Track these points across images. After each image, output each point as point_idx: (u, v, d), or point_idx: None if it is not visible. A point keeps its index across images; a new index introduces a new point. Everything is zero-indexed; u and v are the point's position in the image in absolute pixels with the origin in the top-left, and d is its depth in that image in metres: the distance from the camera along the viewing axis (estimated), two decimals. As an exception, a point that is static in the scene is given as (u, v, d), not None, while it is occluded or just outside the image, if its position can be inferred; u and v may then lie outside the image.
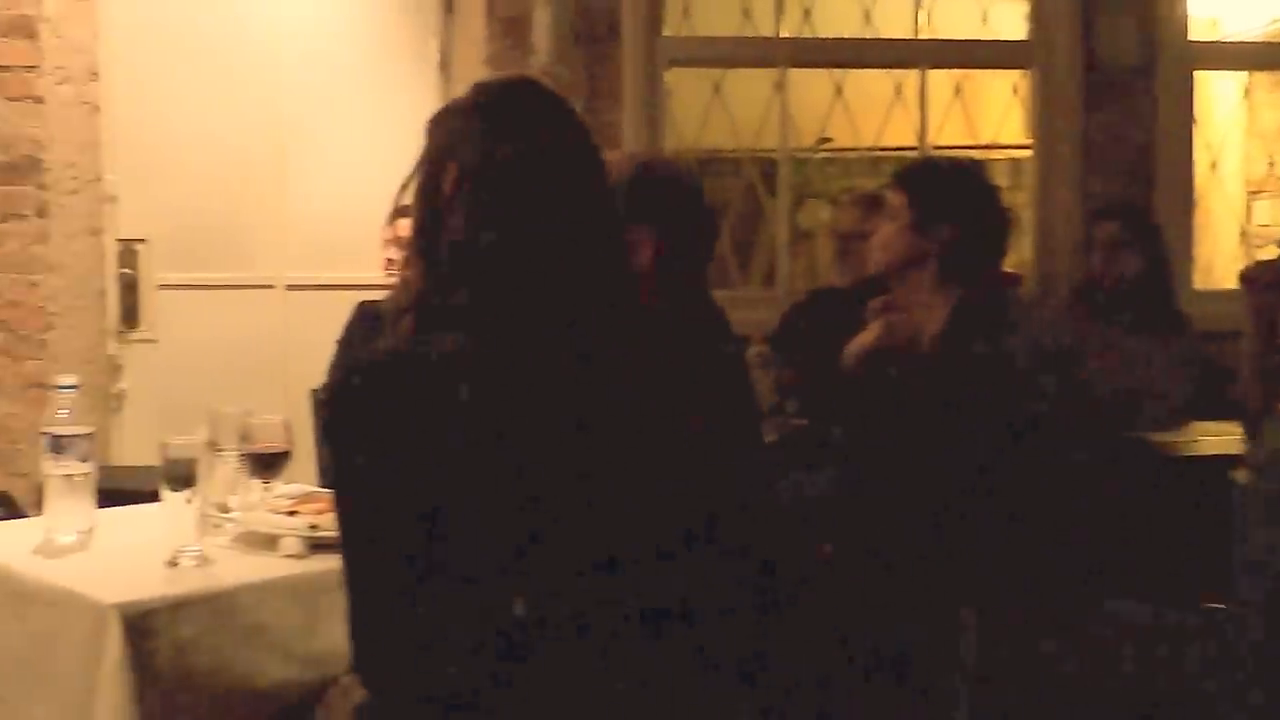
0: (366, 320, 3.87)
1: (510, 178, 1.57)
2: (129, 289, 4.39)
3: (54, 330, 4.29)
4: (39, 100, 4.24)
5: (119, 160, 4.34)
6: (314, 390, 3.92)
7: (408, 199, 1.66)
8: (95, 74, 4.30)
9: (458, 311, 1.56)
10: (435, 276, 1.59)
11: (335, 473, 1.57)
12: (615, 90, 4.48)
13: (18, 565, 2.07)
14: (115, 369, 4.40)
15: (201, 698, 1.89)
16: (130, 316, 4.39)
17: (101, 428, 4.10)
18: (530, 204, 1.57)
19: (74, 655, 1.88)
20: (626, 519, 1.59)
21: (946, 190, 2.73)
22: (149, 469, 3.65)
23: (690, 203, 2.36)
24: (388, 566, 1.54)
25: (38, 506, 3.91)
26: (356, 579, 1.56)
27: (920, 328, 2.69)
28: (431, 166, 1.61)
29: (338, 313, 3.92)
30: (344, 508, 1.57)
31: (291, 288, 4.43)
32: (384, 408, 1.53)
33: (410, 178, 1.65)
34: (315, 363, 3.91)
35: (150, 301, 4.41)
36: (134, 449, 4.28)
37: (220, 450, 2.26)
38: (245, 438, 2.32)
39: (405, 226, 3.91)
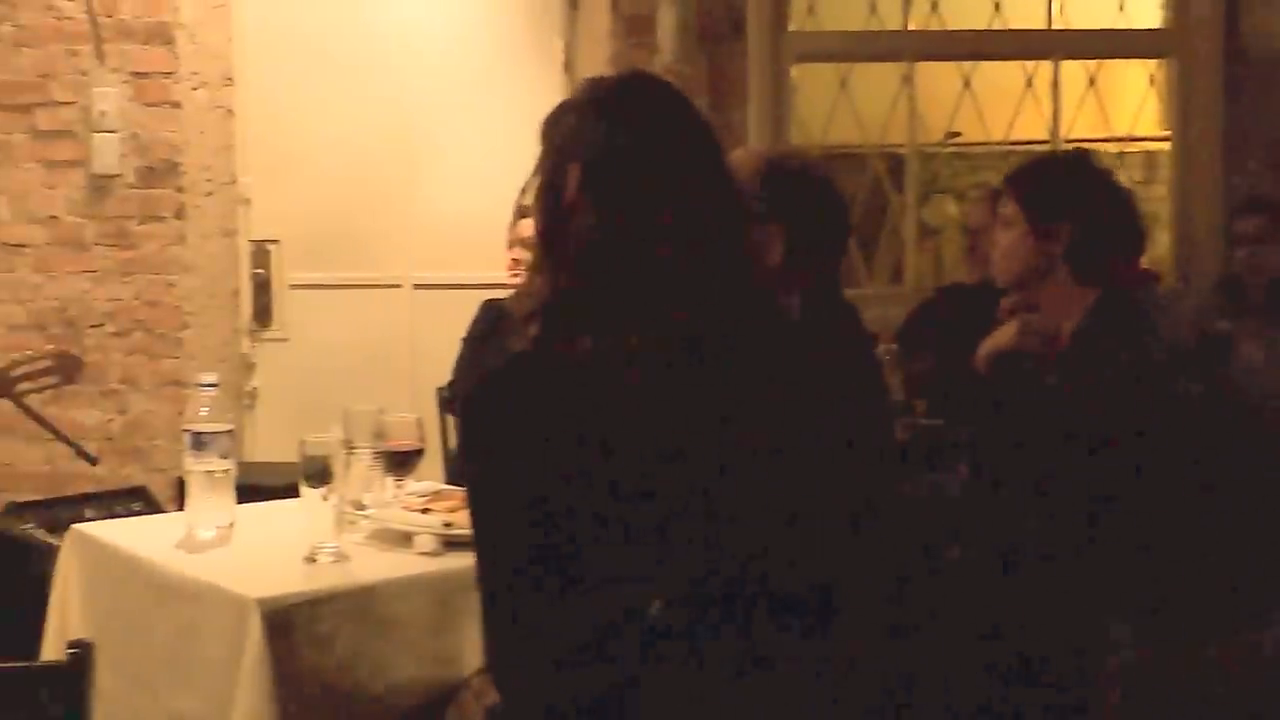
0: (491, 319, 3.90)
1: (634, 174, 1.55)
2: (262, 289, 4.49)
3: (190, 329, 4.40)
4: (176, 105, 4.35)
5: (252, 163, 4.44)
6: (439, 388, 3.96)
7: (529, 200, 1.65)
8: (230, 79, 4.40)
9: (586, 313, 1.55)
10: (562, 278, 1.58)
11: (469, 474, 1.57)
12: (740, 88, 4.44)
13: (161, 559, 2.12)
14: (248, 367, 4.50)
15: (337, 692, 1.91)
16: (263, 315, 4.49)
17: (235, 425, 4.20)
18: (655, 200, 1.55)
19: (216, 648, 1.92)
20: (760, 520, 1.56)
21: (1058, 189, 2.63)
22: (281, 465, 3.74)
23: (821, 199, 2.32)
24: (521, 567, 1.53)
25: (175, 501, 4.03)
26: (490, 579, 1.56)
27: (1057, 328, 2.60)
28: (553, 167, 1.59)
29: (463, 311, 3.95)
30: (478, 509, 1.57)
31: (418, 287, 4.48)
32: (516, 411, 1.52)
33: (531, 179, 1.64)
34: (441, 361, 3.96)
35: (282, 301, 4.50)
36: (266, 445, 4.37)
37: (355, 448, 2.28)
38: (379, 435, 2.34)
39: (528, 227, 3.93)
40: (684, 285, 1.54)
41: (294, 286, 4.50)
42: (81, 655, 1.49)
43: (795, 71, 4.57)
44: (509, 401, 1.53)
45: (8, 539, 3.40)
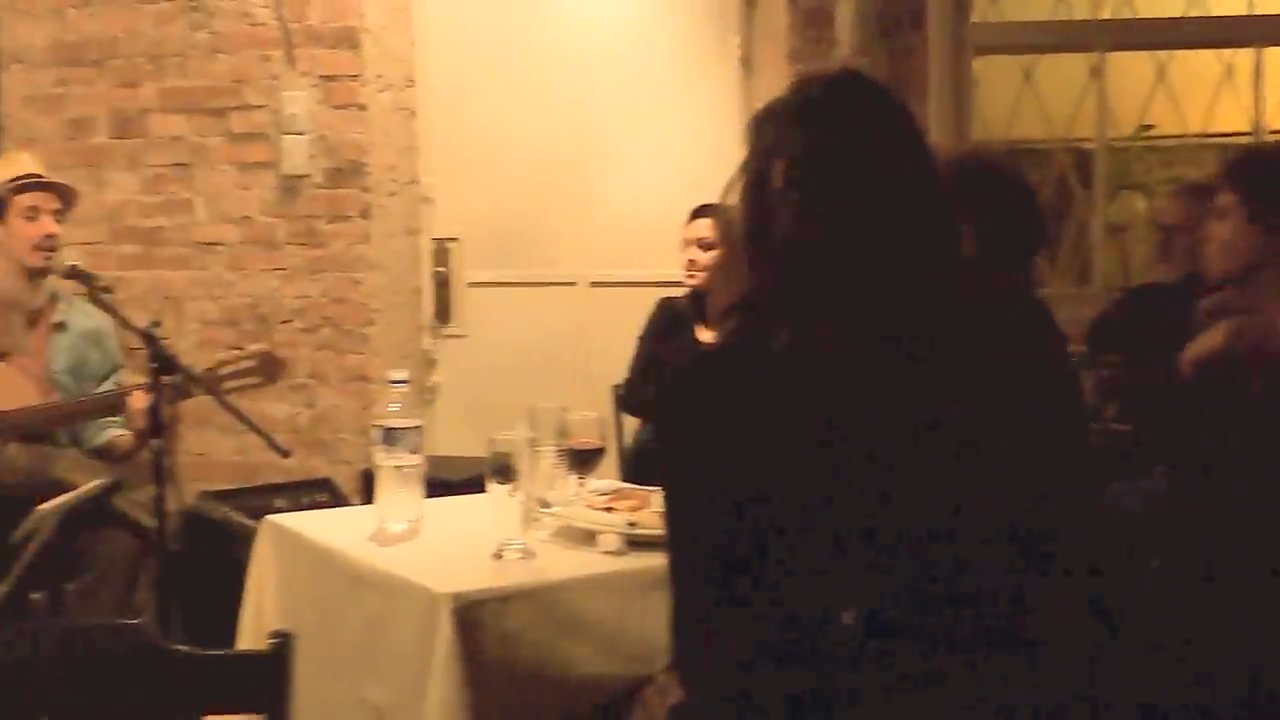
0: (667, 317, 3.90)
1: (840, 169, 1.52)
2: (442, 286, 4.57)
3: (374, 326, 4.51)
4: (362, 107, 4.46)
5: (434, 163, 4.53)
6: (615, 386, 3.98)
7: (732, 198, 1.64)
8: (412, 81, 4.49)
9: (788, 307, 1.52)
10: (764, 273, 1.56)
11: (664, 472, 1.56)
12: (920, 82, 4.34)
13: (353, 551, 2.16)
14: (429, 363, 4.59)
15: (523, 688, 1.92)
16: (443, 313, 4.58)
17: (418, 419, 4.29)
18: (861, 196, 1.52)
19: (407, 640, 1.95)
20: (958, 528, 1.52)
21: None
22: (460, 459, 3.81)
23: (1013, 196, 2.25)
24: (713, 568, 1.51)
25: (360, 494, 4.14)
26: (681, 578, 1.55)
27: (1272, 330, 2.47)
28: (759, 163, 1.57)
29: (639, 310, 3.96)
30: (671, 507, 1.56)
31: (594, 285, 4.51)
32: (713, 406, 1.51)
33: (735, 177, 1.62)
34: (616, 359, 3.98)
35: (461, 298, 4.58)
36: (445, 440, 4.45)
37: (538, 446, 2.30)
38: (562, 433, 2.36)
39: (705, 227, 3.92)
40: (887, 283, 1.51)
41: (473, 284, 4.57)
42: (283, 645, 1.52)
43: (977, 64, 4.45)
44: (705, 397, 1.52)
45: (208, 521, 3.55)
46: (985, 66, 4.52)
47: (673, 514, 1.55)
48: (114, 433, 3.45)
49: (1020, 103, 4.59)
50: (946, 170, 2.12)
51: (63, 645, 1.51)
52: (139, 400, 3.16)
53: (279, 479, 4.40)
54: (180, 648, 1.51)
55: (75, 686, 1.50)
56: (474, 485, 2.32)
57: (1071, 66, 4.57)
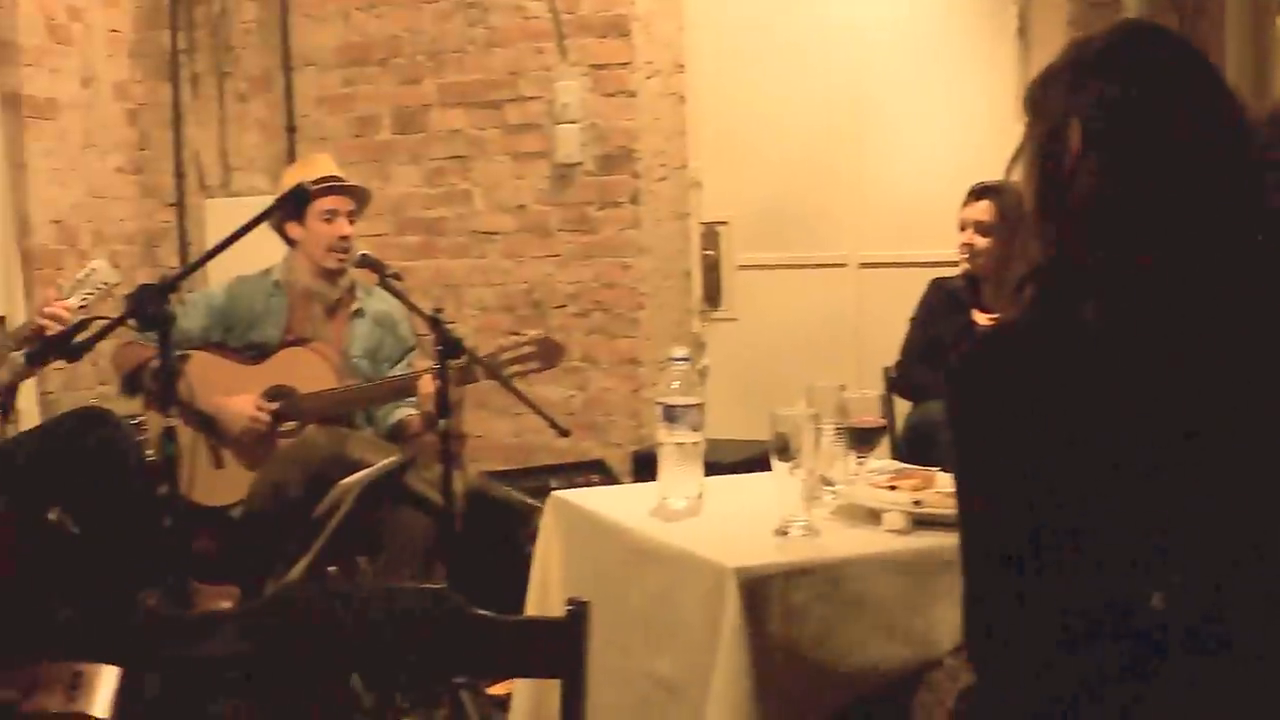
0: (940, 298, 3.81)
1: (1145, 124, 1.44)
2: (711, 270, 4.60)
3: (645, 310, 4.58)
4: (632, 94, 4.53)
5: (703, 147, 4.56)
6: (886, 368, 3.91)
7: (1014, 174, 1.58)
8: (682, 65, 4.53)
9: (1094, 277, 1.45)
10: (1063, 242, 1.49)
11: (957, 451, 1.52)
12: (1216, 45, 4.09)
13: (637, 526, 2.19)
14: (699, 346, 4.62)
15: (809, 666, 1.90)
16: (712, 296, 4.60)
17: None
18: (1170, 152, 1.44)
19: (694, 613, 1.96)
20: (1272, 508, 1.42)
21: None
22: (731, 443, 3.82)
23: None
24: (1011, 551, 1.46)
25: (631, 476, 4.20)
26: (975, 561, 1.50)
27: None
28: (1048, 132, 1.50)
29: (911, 291, 3.88)
30: (965, 488, 1.51)
31: (865, 266, 4.44)
32: (1009, 382, 1.45)
33: (1018, 151, 1.56)
34: (887, 340, 3.91)
35: (731, 281, 4.59)
36: (715, 424, 4.46)
37: (819, 424, 2.27)
38: (842, 412, 2.32)
39: (984, 210, 3.80)
40: (1202, 245, 1.42)
41: (742, 267, 4.58)
42: (579, 611, 1.55)
43: (1280, 23, 4.17)
44: (1000, 373, 1.47)
45: (490, 500, 3.67)
46: (1287, 26, 4.23)
47: (967, 495, 1.50)
48: (405, 413, 3.61)
49: (1327, 63, 4.26)
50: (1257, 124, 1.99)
51: (374, 606, 1.58)
52: (428, 384, 3.30)
53: (553, 461, 4.53)
54: (482, 612, 1.56)
55: (384, 646, 1.57)
56: (746, 467, 2.32)
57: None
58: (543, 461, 4.55)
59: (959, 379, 1.52)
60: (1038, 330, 1.49)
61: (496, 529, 3.62)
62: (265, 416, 3.49)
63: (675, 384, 2.27)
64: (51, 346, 2.90)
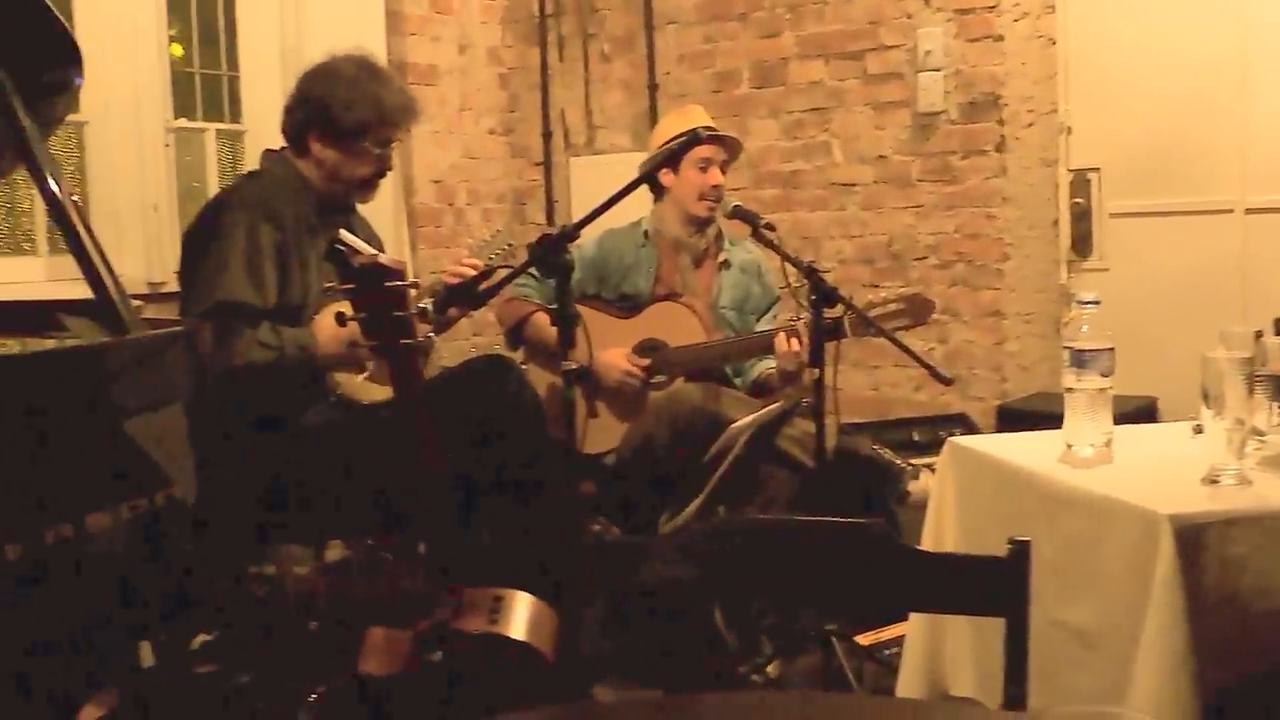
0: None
1: None
2: (1081, 218, 4.42)
3: (1010, 260, 4.47)
4: (998, 39, 4.41)
5: (1073, 91, 4.38)
6: (1276, 320, 3.65)
7: None
8: (1051, 6, 4.36)
9: None
10: None
11: None
12: None
13: (1045, 471, 2.15)
14: (1067, 298, 4.46)
15: (1248, 618, 1.82)
16: (1081, 245, 4.43)
17: (1053, 355, 4.20)
18: None
19: (1117, 562, 1.91)
20: None
21: None
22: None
23: None
24: None
25: (994, 430, 4.11)
26: None
27: None
28: None
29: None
30: None
31: (1252, 211, 4.16)
32: None
33: None
34: (1277, 291, 3.66)
35: (1102, 230, 4.40)
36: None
37: (1252, 370, 2.16)
38: (1264, 360, 2.20)
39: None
40: None
41: (1114, 215, 4.38)
42: (1020, 550, 1.55)
43: None
44: None
45: (855, 456, 3.67)
46: None
47: None
48: (765, 366, 3.65)
49: None
50: None
51: (814, 538, 1.62)
52: (783, 343, 3.33)
53: (910, 414, 4.49)
54: (921, 548, 1.57)
55: (827, 576, 1.61)
56: (1120, 422, 2.24)
57: None
58: (900, 414, 4.52)
59: None
60: None
61: (863, 488, 3.62)
62: (638, 373, 3.59)
63: (1084, 328, 2.21)
64: (456, 295, 3.09)
